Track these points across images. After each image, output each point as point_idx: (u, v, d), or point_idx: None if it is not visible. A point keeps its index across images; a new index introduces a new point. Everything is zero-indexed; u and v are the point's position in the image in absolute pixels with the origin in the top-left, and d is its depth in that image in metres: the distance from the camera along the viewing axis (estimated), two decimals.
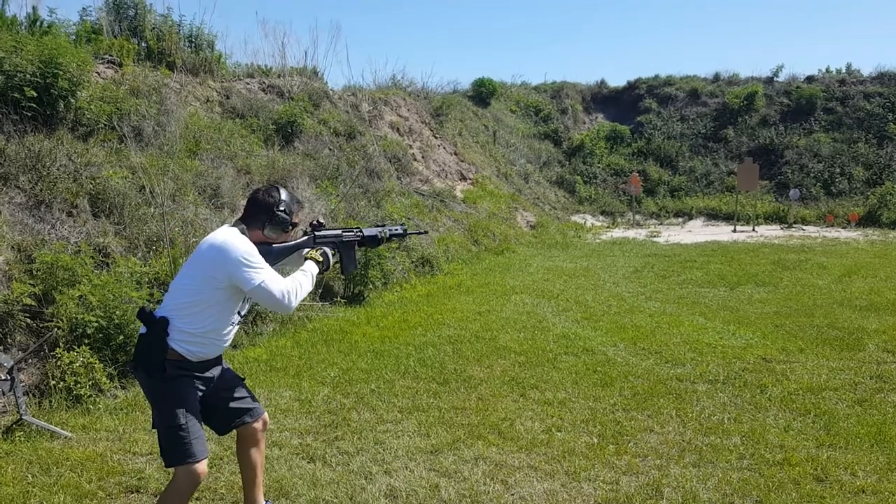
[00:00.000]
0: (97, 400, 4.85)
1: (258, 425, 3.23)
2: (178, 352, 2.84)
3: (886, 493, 3.50)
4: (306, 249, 3.23)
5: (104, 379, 4.92)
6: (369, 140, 13.15)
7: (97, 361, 4.93)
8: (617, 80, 26.65)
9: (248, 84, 11.63)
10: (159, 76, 9.34)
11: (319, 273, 3.15)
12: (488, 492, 3.68)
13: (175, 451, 2.80)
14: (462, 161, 16.38)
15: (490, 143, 19.13)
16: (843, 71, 24.63)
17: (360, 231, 3.45)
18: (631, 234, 16.64)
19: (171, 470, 2.89)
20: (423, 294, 8.98)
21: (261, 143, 10.25)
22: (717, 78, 25.31)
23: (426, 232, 4.15)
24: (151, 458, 4.09)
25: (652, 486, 3.68)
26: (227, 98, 10.69)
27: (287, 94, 12.11)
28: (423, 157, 14.94)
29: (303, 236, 3.29)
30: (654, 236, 16.09)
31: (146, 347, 2.85)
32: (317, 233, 3.30)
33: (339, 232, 3.37)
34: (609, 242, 15.02)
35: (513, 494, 3.66)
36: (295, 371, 5.78)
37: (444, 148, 16.33)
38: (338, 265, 3.41)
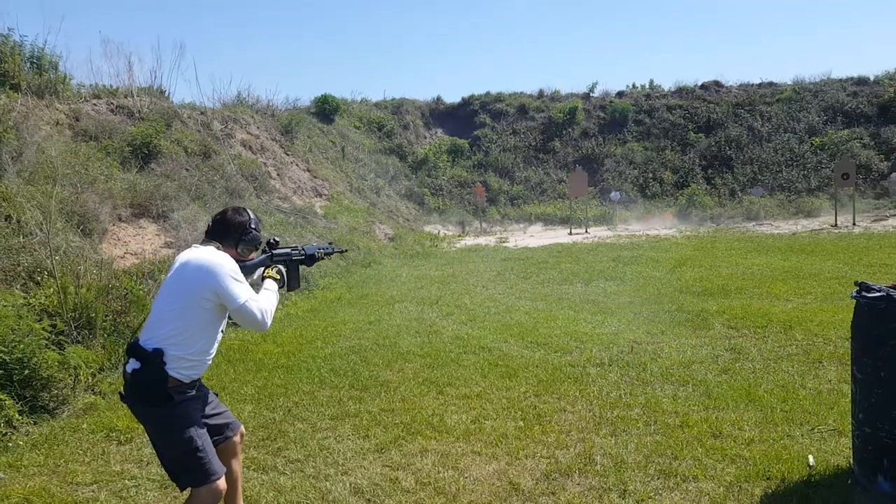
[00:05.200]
0: (12, 437, 4.58)
1: (237, 438, 3.34)
2: (177, 378, 2.87)
3: (771, 441, 4.28)
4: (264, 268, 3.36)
5: (16, 415, 4.65)
6: (225, 159, 12.90)
7: (7, 398, 4.65)
8: (452, 97, 27.90)
9: (95, 105, 11.01)
10: (7, 100, 8.67)
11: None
12: (444, 477, 4.02)
13: (196, 472, 2.87)
14: (316, 178, 16.46)
15: (340, 159, 19.34)
16: (648, 86, 27.61)
17: (304, 250, 3.60)
18: (481, 241, 17.58)
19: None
20: (307, 309, 9.07)
21: (118, 165, 9.79)
22: (541, 94, 27.35)
23: (346, 250, 4.45)
24: (98, 486, 3.99)
25: (584, 455, 4.21)
26: (77, 120, 10.09)
27: (137, 115, 11.60)
28: (278, 175, 14.87)
29: (261, 254, 3.43)
30: (503, 242, 17.12)
31: (145, 382, 2.85)
32: (273, 251, 3.44)
33: (288, 251, 3.51)
34: (465, 250, 15.80)
35: (466, 477, 4.03)
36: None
37: (297, 165, 16.33)
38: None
